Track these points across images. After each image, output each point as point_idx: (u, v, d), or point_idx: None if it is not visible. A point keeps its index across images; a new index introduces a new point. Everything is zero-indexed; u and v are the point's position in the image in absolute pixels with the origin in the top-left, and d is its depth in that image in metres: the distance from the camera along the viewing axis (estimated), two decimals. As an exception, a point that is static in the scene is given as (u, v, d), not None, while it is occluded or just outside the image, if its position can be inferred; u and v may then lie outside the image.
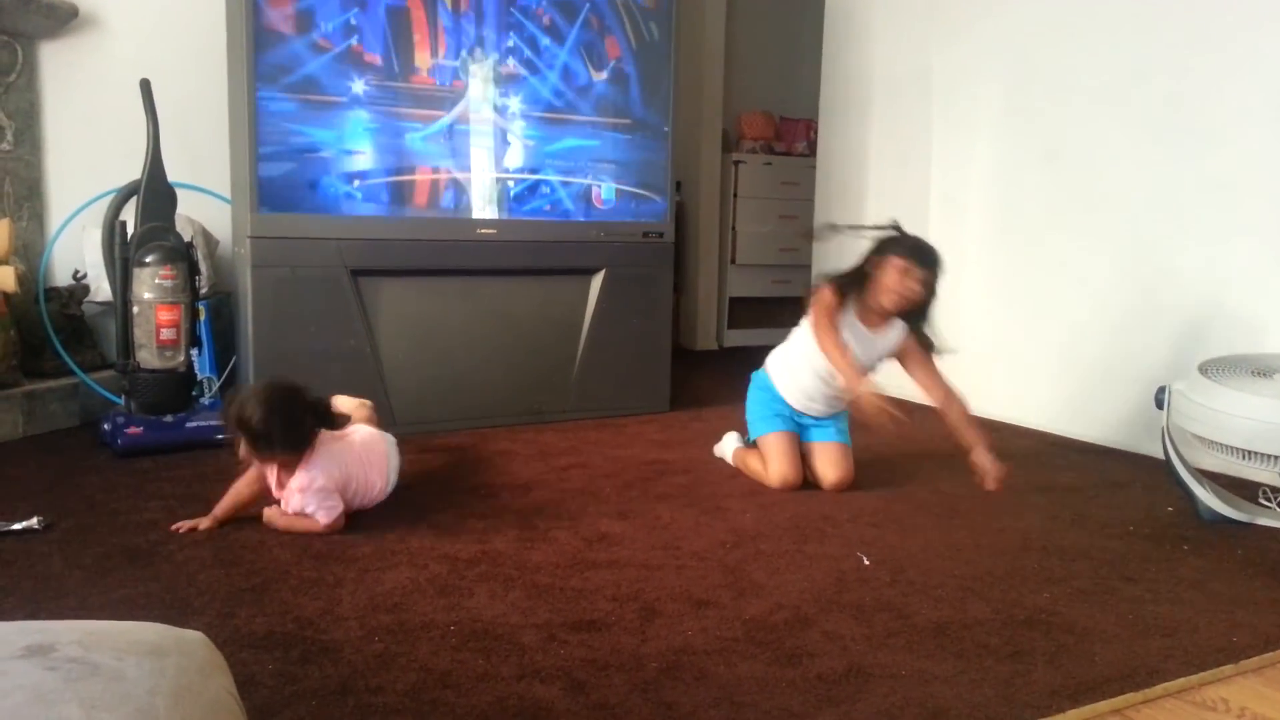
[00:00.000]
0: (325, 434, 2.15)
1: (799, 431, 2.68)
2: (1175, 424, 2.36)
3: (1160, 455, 2.44)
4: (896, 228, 2.58)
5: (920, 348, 2.64)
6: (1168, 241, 3.00)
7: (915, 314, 2.60)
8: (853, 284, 2.58)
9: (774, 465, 2.60)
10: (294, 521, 2.13)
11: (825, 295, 2.56)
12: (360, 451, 2.26)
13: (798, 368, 2.67)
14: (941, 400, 2.60)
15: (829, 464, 2.61)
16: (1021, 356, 3.48)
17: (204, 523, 2.13)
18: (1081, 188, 3.25)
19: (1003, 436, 3.27)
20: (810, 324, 2.61)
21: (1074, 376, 3.30)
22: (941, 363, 2.66)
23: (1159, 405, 2.39)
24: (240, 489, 2.20)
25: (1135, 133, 3.07)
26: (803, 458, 2.65)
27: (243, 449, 2.09)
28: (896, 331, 2.62)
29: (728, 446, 2.86)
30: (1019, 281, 3.49)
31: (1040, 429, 3.36)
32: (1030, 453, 3.07)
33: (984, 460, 2.49)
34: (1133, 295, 3.10)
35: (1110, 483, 2.72)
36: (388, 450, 2.36)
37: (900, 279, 2.51)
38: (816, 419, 2.69)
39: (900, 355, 2.65)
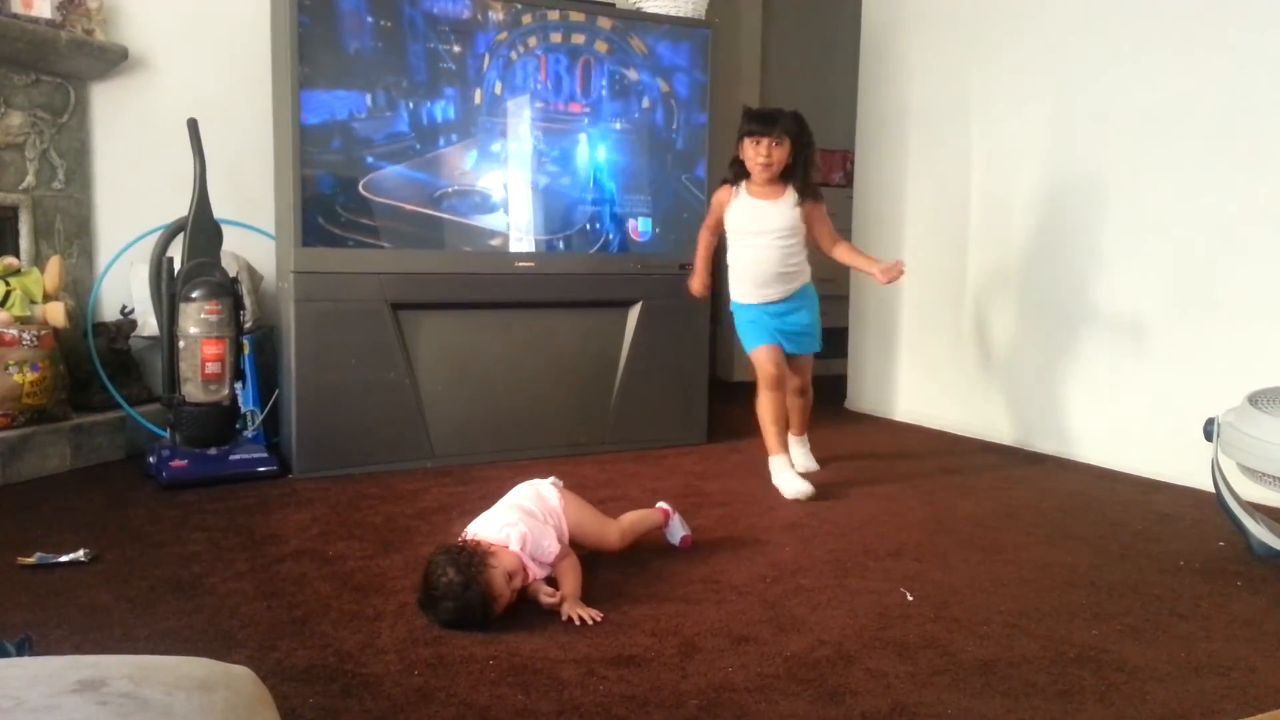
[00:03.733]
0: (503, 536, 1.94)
1: (781, 344, 2.98)
2: (1224, 456, 2.32)
3: (1210, 488, 2.40)
4: (745, 108, 2.93)
5: (817, 214, 2.94)
6: (1216, 269, 2.95)
7: (794, 173, 2.90)
8: (736, 172, 2.95)
9: (761, 370, 2.93)
10: (572, 583, 1.94)
11: (716, 195, 3.02)
12: (523, 506, 2.07)
13: (735, 269, 3.01)
14: (829, 248, 2.99)
15: (798, 371, 3.08)
16: (1065, 387, 3.43)
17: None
18: (1127, 216, 3.21)
19: (1046, 469, 3.24)
20: None
21: (1120, 407, 3.25)
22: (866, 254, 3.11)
23: (1208, 437, 2.34)
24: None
25: (1183, 160, 3.03)
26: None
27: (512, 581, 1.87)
28: (791, 195, 2.91)
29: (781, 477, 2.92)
30: (1062, 310, 3.44)
31: (1085, 461, 3.31)
32: (1076, 486, 3.02)
33: (876, 266, 2.86)
34: (1180, 324, 3.05)
35: (1159, 516, 2.67)
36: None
37: (753, 150, 2.85)
38: (782, 307, 2.97)
39: (805, 221, 2.93)
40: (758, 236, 2.93)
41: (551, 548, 1.96)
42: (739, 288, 3.01)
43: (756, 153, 2.85)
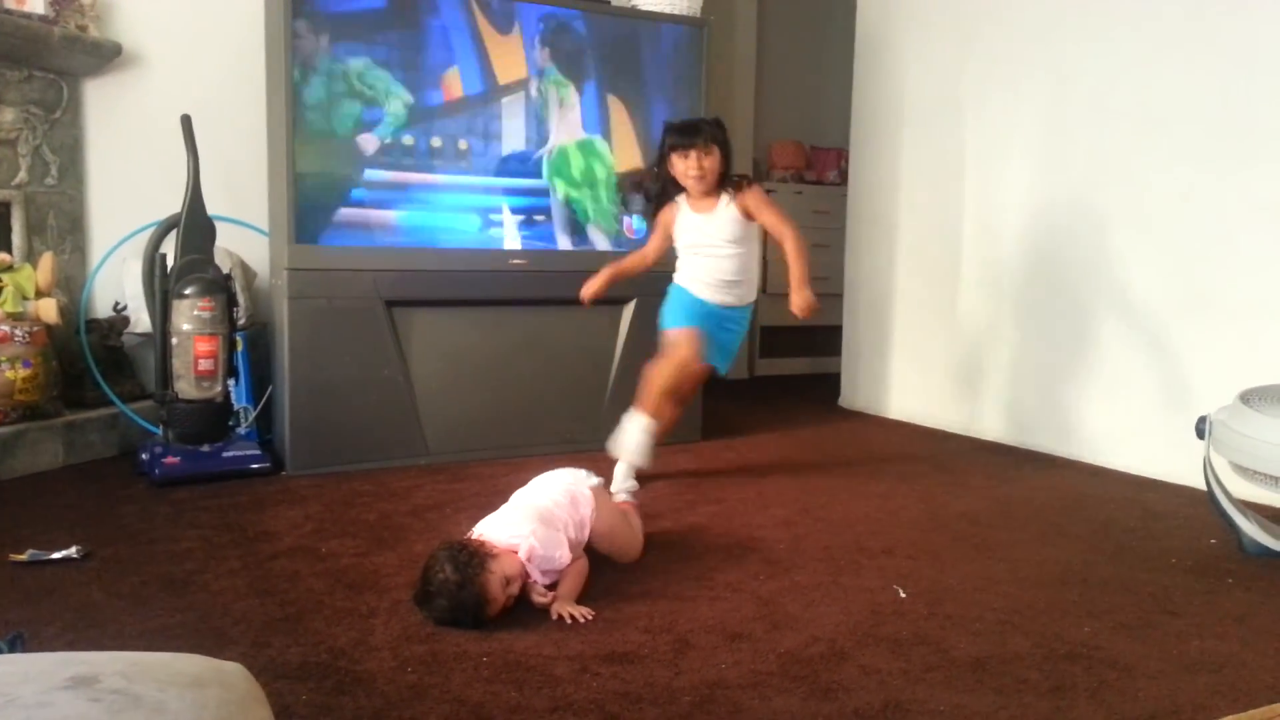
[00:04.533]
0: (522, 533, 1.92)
1: (707, 336, 2.83)
2: (1216, 454, 2.32)
3: (1202, 486, 2.40)
4: (666, 123, 2.87)
5: (757, 202, 2.80)
6: (1208, 268, 2.96)
7: (725, 179, 2.81)
8: (671, 191, 2.86)
9: (677, 350, 2.79)
10: (572, 586, 1.92)
11: (662, 215, 2.90)
12: (549, 503, 2.05)
13: (687, 274, 2.88)
14: (778, 236, 2.79)
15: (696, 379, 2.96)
16: (1058, 385, 3.44)
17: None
18: (1120, 214, 3.22)
19: (1039, 467, 3.25)
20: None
21: (1112, 405, 3.26)
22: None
23: (1200, 435, 2.35)
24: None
25: (1177, 157, 3.04)
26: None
27: (512, 587, 1.85)
28: (724, 201, 2.80)
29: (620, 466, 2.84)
30: (1055, 308, 3.45)
31: (1078, 459, 3.32)
32: (1068, 484, 3.03)
33: (796, 293, 2.69)
34: (1174, 322, 3.06)
35: (1151, 514, 2.68)
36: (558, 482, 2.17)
37: (683, 165, 2.76)
38: (726, 313, 2.87)
39: (750, 216, 2.81)
40: (710, 248, 2.81)
41: (562, 558, 1.92)
42: (692, 283, 2.86)
43: (687, 166, 2.75)
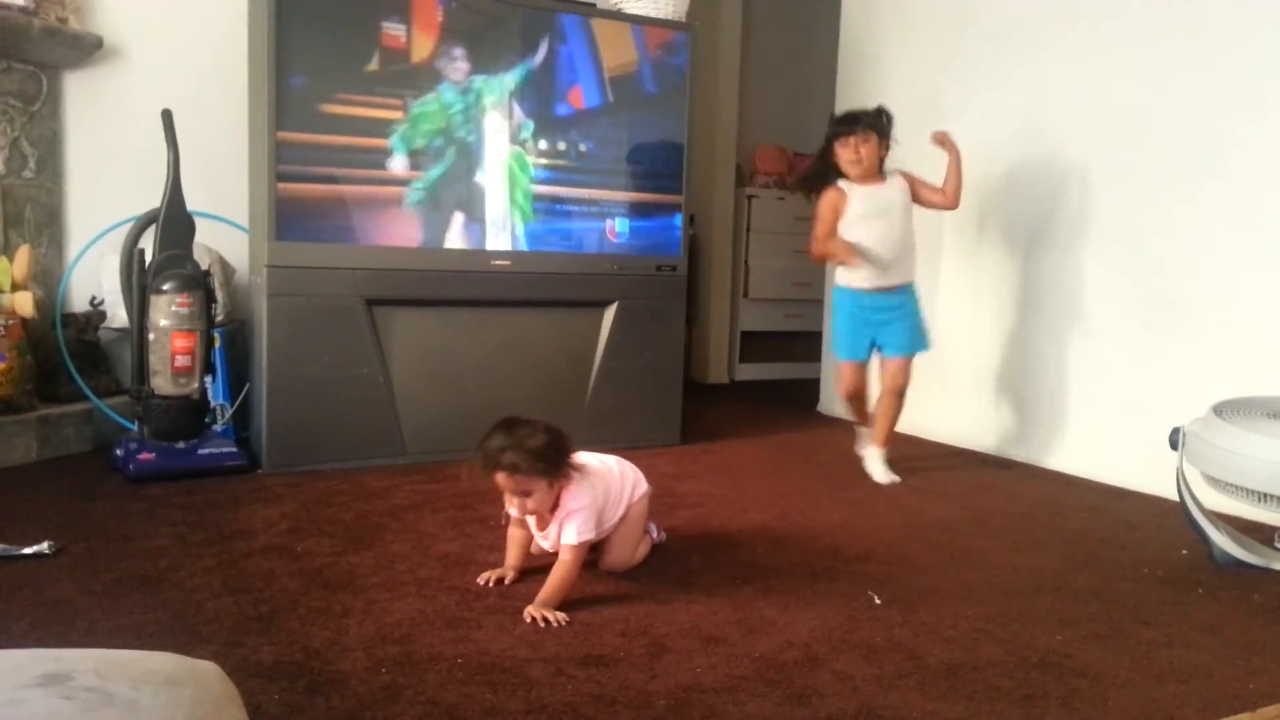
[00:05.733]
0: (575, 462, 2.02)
1: (870, 349, 3.16)
2: (1189, 465, 2.35)
3: (1174, 497, 2.43)
4: (831, 117, 3.19)
5: (916, 179, 3.13)
6: (1182, 278, 3.00)
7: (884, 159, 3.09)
8: (832, 175, 3.09)
9: (840, 383, 3.26)
10: (555, 590, 1.90)
11: (826, 196, 3.08)
12: (605, 464, 2.14)
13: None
14: (942, 198, 3.13)
15: (890, 374, 3.15)
16: (1034, 395, 3.47)
17: (510, 575, 2.04)
18: (1096, 222, 3.25)
19: (1014, 476, 3.27)
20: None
21: (1087, 415, 3.29)
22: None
23: (1173, 446, 2.37)
24: (514, 535, 2.09)
25: (1152, 166, 3.07)
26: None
27: (530, 502, 1.93)
28: (892, 180, 3.10)
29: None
30: (1031, 318, 3.48)
31: (1053, 468, 3.35)
32: (1043, 493, 3.05)
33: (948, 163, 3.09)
34: (1147, 333, 3.10)
35: (1124, 524, 2.70)
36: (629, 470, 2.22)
37: (846, 152, 3.02)
38: (889, 297, 3.10)
39: (912, 195, 3.12)
40: (883, 214, 3.06)
41: (583, 533, 1.94)
42: (856, 272, 3.10)
43: (851, 154, 3.02)
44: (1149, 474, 2.95)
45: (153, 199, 2.94)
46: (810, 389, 4.62)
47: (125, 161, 3.33)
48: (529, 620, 1.83)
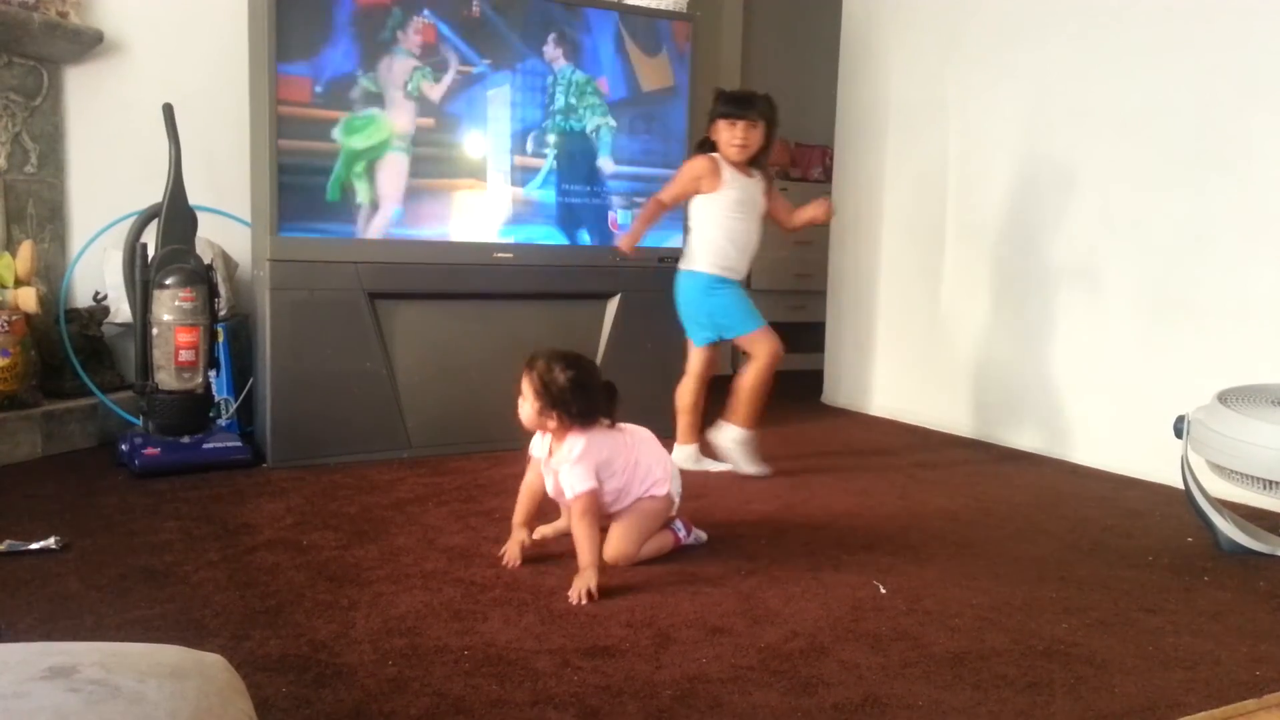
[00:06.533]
0: (604, 422, 2.13)
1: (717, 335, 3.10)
2: (1194, 453, 2.35)
3: (1179, 485, 2.43)
4: (719, 93, 3.00)
5: (773, 187, 3.08)
6: (1187, 268, 2.99)
7: (762, 156, 2.99)
8: (709, 149, 2.97)
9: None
10: (583, 548, 1.99)
11: (699, 161, 2.98)
12: (631, 441, 2.18)
13: (710, 238, 3.00)
14: (786, 219, 3.09)
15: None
16: (1038, 384, 3.46)
17: (524, 541, 2.14)
18: (1101, 215, 3.24)
19: (1019, 465, 3.27)
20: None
21: (1091, 404, 3.28)
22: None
23: (1178, 434, 2.37)
24: (526, 484, 2.20)
25: (1156, 160, 3.06)
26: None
27: (529, 409, 2.07)
28: (758, 176, 3.01)
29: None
30: (1035, 308, 3.47)
31: (1057, 457, 3.34)
32: (1048, 481, 3.05)
33: (811, 210, 3.02)
34: (1152, 323, 3.09)
35: (1128, 512, 2.70)
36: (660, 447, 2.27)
37: (732, 134, 2.90)
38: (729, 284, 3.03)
39: (765, 196, 3.03)
40: (752, 210, 3.00)
41: (580, 484, 2.01)
42: (714, 255, 3.00)
43: (732, 135, 2.90)
44: (1154, 462, 2.95)
45: (155, 193, 2.94)
46: (813, 380, 4.62)
47: (127, 156, 3.33)
48: (575, 600, 1.88)
